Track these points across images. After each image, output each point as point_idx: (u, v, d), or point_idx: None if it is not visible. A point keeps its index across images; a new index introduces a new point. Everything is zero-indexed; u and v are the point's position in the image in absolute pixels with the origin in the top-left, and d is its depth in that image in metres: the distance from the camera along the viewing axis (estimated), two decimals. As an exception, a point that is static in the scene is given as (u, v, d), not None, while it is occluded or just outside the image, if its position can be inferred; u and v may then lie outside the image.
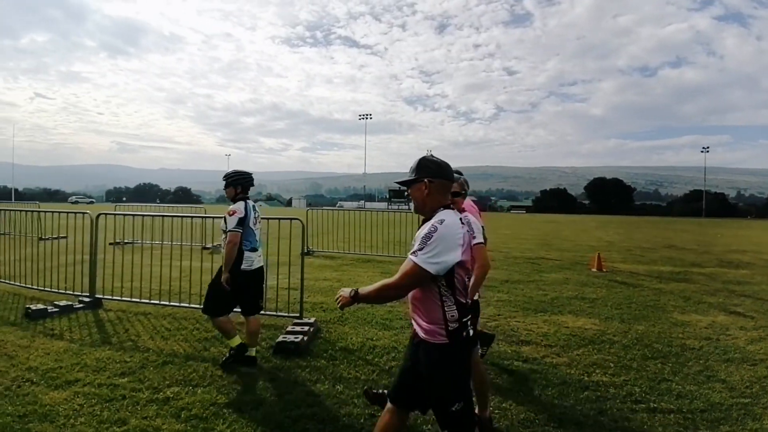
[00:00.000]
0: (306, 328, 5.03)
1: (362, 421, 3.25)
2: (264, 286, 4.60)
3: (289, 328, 5.04)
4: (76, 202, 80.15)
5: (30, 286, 6.85)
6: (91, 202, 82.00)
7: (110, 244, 10.82)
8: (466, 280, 2.09)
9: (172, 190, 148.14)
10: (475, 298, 3.02)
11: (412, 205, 3.01)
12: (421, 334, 2.11)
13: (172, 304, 6.04)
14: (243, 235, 4.14)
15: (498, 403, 3.57)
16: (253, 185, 4.41)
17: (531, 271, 10.49)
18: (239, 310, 4.38)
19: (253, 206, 4.30)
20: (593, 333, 5.48)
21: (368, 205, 79.94)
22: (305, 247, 5.66)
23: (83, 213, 6.97)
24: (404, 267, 2.02)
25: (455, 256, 1.98)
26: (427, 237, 1.97)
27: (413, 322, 2.18)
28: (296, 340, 4.65)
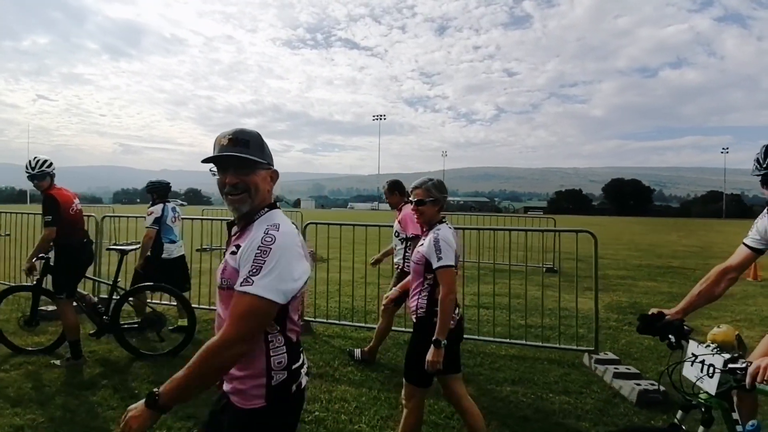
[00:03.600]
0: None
1: None
2: (189, 271, 5.54)
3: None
4: None
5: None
6: (182, 205, 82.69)
7: (197, 250, 9.71)
8: (300, 306, 1.58)
9: (182, 191, 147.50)
10: (451, 325, 2.52)
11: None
12: (227, 389, 1.47)
13: (369, 325, 5.27)
14: (161, 231, 5.13)
15: None
16: (169, 191, 5.47)
17: (692, 282, 9.60)
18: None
19: (172, 208, 5.37)
20: None
21: (380, 206, 79.05)
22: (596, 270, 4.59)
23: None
24: (237, 307, 1.31)
25: (304, 271, 1.41)
26: (263, 252, 1.33)
27: None
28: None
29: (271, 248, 1.33)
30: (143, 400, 1.31)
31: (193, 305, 4.89)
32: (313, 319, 5.55)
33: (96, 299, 5.05)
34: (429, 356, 2.43)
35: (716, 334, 1.94)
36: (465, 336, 4.98)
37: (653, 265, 12.26)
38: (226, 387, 1.48)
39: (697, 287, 2.15)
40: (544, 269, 10.21)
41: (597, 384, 4.02)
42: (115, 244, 5.91)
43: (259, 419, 1.40)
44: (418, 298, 2.60)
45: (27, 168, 4.16)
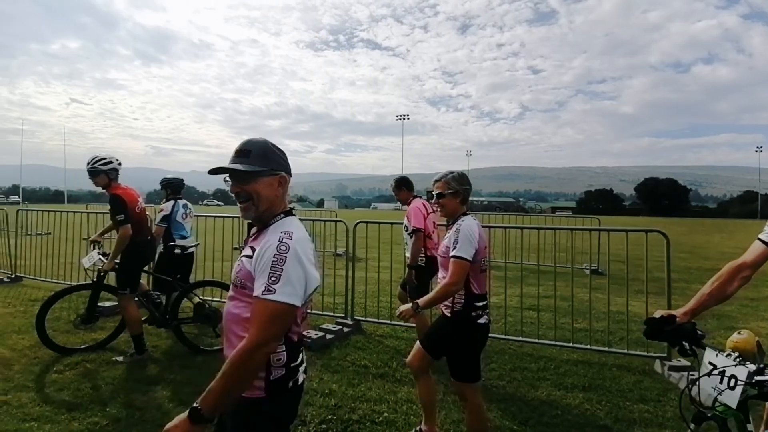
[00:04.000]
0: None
1: None
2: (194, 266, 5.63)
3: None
4: (207, 205, 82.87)
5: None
6: (219, 205, 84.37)
7: (234, 248, 9.70)
8: (306, 310, 1.58)
9: (210, 192, 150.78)
10: (482, 322, 2.58)
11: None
12: None
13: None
14: (172, 228, 5.30)
15: None
16: (182, 188, 5.63)
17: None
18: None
19: (184, 204, 5.47)
20: None
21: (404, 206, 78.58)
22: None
23: (337, 221, 5.97)
24: (262, 314, 1.39)
25: (316, 278, 1.50)
26: (279, 260, 1.41)
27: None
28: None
29: (286, 257, 1.40)
30: (184, 416, 1.36)
31: None
32: (363, 318, 5.47)
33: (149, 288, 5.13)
34: (402, 307, 2.62)
35: (737, 342, 1.72)
36: (525, 339, 4.85)
37: (703, 268, 11.70)
38: None
39: (708, 286, 1.95)
40: (588, 270, 9.88)
41: (674, 391, 3.78)
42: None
43: (259, 408, 1.49)
44: None
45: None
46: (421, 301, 2.56)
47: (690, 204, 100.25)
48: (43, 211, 9.48)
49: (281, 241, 1.43)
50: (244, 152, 1.55)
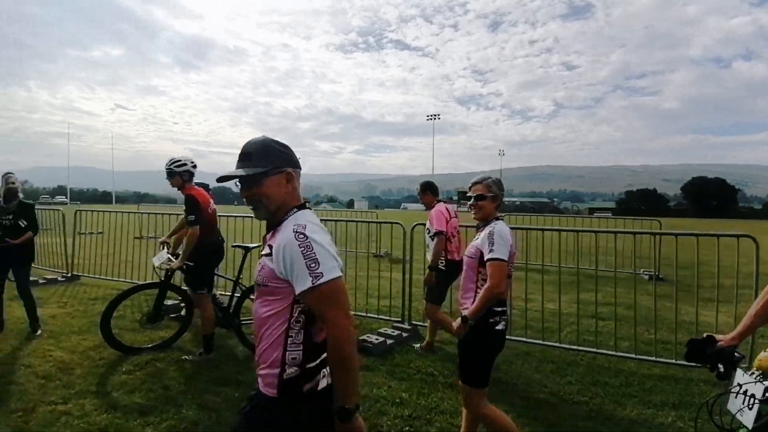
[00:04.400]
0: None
1: None
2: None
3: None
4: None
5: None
6: None
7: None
8: None
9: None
10: (500, 328, 2.54)
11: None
12: (257, 372, 1.51)
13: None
14: None
15: None
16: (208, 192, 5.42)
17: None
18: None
19: None
20: None
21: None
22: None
23: (394, 223, 5.88)
24: (322, 298, 1.40)
25: (339, 260, 1.49)
26: (306, 248, 1.40)
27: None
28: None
29: (308, 244, 1.41)
30: (340, 422, 1.40)
31: None
32: (420, 323, 5.33)
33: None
34: (454, 324, 2.55)
35: (762, 360, 1.62)
36: (599, 350, 4.58)
37: (765, 273, 10.97)
38: (257, 371, 1.53)
39: (753, 307, 1.84)
40: (647, 276, 9.38)
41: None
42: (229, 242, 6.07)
43: (270, 409, 1.45)
44: (473, 296, 2.55)
45: None
46: (468, 313, 2.50)
47: (738, 205, 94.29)
48: (100, 211, 9.84)
49: (296, 233, 1.43)
50: (246, 155, 1.54)
